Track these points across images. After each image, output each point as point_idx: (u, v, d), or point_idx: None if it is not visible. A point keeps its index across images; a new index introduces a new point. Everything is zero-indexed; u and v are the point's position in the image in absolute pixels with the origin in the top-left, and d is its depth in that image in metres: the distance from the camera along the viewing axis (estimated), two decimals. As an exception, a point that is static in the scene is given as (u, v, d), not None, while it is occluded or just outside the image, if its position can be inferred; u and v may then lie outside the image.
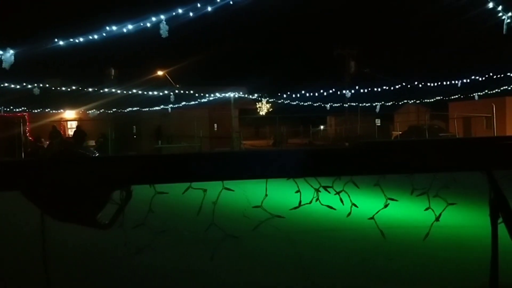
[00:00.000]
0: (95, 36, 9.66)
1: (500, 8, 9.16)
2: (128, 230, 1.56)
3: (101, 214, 1.64)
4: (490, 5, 8.92)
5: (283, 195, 2.05)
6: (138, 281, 3.58)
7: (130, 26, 8.85)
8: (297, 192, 1.69)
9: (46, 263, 1.65)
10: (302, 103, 25.93)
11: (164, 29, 7.41)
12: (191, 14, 7.81)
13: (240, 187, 1.76)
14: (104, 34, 9.29)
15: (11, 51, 8.19)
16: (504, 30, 9.25)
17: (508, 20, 9.24)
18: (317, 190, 1.70)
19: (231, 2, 7.64)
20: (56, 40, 9.27)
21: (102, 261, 4.10)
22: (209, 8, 7.84)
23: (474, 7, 9.57)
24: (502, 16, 9.34)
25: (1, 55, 8.24)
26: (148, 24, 8.22)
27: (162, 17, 7.57)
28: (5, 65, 8.24)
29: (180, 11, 7.75)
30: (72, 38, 9.95)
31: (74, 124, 25.26)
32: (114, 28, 9.27)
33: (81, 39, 9.98)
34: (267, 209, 1.70)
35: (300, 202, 1.73)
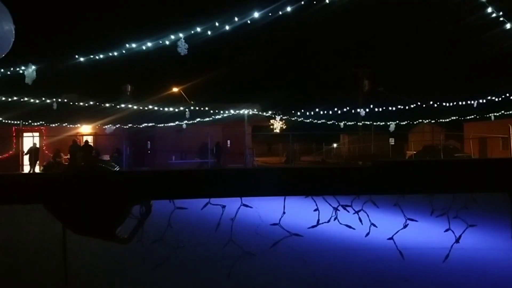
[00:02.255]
0: (114, 53, 9.91)
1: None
2: (147, 244, 1.57)
3: (121, 228, 1.66)
4: (508, 25, 8.89)
5: (301, 213, 2.04)
6: None
7: (149, 44, 9.08)
8: (315, 210, 1.69)
9: (67, 275, 1.67)
10: (315, 120, 25.92)
11: (183, 47, 7.57)
12: (209, 32, 7.98)
13: (257, 204, 1.76)
14: (123, 51, 9.52)
15: (33, 67, 8.44)
16: (521, 50, 9.18)
17: (526, 42, 9.18)
18: (336, 209, 1.70)
19: (248, 22, 7.80)
20: (76, 56, 9.53)
21: (121, 275, 4.10)
22: (227, 27, 8.00)
23: (491, 27, 9.54)
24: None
25: (24, 70, 8.52)
26: (167, 42, 8.41)
27: (181, 35, 7.75)
28: (27, 80, 8.49)
29: (198, 29, 7.93)
30: (91, 55, 10.22)
31: (90, 139, 25.70)
32: (132, 45, 9.51)
33: (100, 56, 10.24)
34: (285, 226, 1.69)
35: (318, 220, 1.72)
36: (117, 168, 1.68)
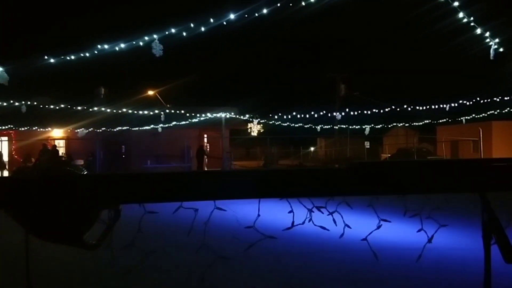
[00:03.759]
0: (86, 54, 9.68)
1: (487, 34, 9.46)
2: (117, 250, 1.51)
3: (88, 233, 1.59)
4: (478, 31, 9.20)
5: (276, 215, 2.02)
6: None
7: (122, 45, 8.90)
8: (290, 212, 1.67)
9: (30, 285, 1.59)
10: (293, 124, 26.13)
11: (157, 48, 7.46)
12: (184, 33, 7.90)
13: (231, 207, 1.73)
14: (95, 52, 9.31)
15: (1, 68, 8.12)
16: (491, 55, 9.53)
17: (495, 46, 9.53)
18: (310, 211, 1.69)
19: (224, 23, 7.76)
20: (46, 57, 9.25)
21: (89, 282, 3.97)
22: (203, 29, 7.94)
23: (462, 33, 9.87)
24: (489, 42, 9.64)
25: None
26: (140, 43, 8.28)
27: (155, 36, 7.63)
28: (1, 81, 8.17)
29: (173, 30, 7.84)
30: (62, 56, 9.95)
31: (62, 143, 25.04)
32: (105, 46, 9.31)
33: (72, 57, 9.98)
34: (259, 229, 1.67)
35: (293, 222, 1.71)
36: (84, 172, 1.61)
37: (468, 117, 24.63)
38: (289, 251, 4.74)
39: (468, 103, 21.11)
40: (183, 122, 23.53)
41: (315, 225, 1.72)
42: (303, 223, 1.71)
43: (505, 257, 1.46)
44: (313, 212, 1.67)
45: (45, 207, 1.41)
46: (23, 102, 15.96)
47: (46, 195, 1.37)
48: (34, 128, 22.12)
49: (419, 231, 1.79)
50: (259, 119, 29.27)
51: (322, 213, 1.68)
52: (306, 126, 26.46)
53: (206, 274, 2.62)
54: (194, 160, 22.73)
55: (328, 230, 1.80)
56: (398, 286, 3.82)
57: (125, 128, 23.09)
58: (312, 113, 24.41)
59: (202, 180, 1.60)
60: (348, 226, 1.75)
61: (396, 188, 1.63)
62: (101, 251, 1.53)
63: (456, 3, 8.51)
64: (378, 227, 1.78)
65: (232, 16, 7.85)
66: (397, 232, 5.08)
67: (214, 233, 1.79)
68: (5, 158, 22.99)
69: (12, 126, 21.40)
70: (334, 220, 1.73)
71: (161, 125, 22.64)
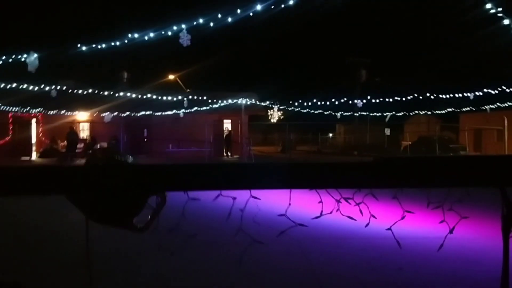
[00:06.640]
0: (114, 40, 9.86)
1: (514, 23, 9.21)
2: (162, 233, 1.67)
3: (137, 218, 1.76)
4: (507, 21, 8.97)
5: (306, 205, 2.16)
6: (170, 281, 3.78)
7: (150, 34, 9.04)
8: (319, 202, 1.80)
9: (90, 261, 1.78)
10: (312, 111, 26.01)
11: (185, 38, 7.58)
12: (211, 24, 7.98)
13: (265, 195, 1.87)
14: (125, 42, 9.47)
15: (35, 55, 8.40)
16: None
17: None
18: (338, 201, 1.81)
19: (251, 14, 7.81)
20: (78, 45, 9.49)
21: (138, 261, 4.33)
22: (230, 19, 8.00)
23: (489, 21, 9.62)
24: (515, 30, 9.39)
25: (26, 58, 8.49)
26: (169, 33, 8.40)
27: (183, 26, 7.75)
28: (30, 68, 8.47)
29: (200, 21, 7.93)
30: (90, 41, 10.17)
31: (86, 126, 25.67)
32: (130, 35, 9.47)
33: (98, 41, 10.19)
34: (291, 217, 1.80)
35: (321, 212, 1.83)
36: (131, 159, 1.78)
37: (493, 106, 24.01)
38: (316, 238, 4.91)
39: (493, 92, 20.53)
40: (204, 108, 23.75)
41: (342, 214, 1.84)
42: (331, 212, 1.83)
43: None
44: (341, 202, 1.80)
45: (101, 194, 1.57)
46: (53, 87, 16.41)
47: (103, 183, 1.53)
48: (60, 112, 22.71)
49: (441, 222, 1.89)
50: (278, 105, 29.19)
51: (349, 203, 1.80)
52: (326, 113, 26.32)
53: (243, 256, 2.86)
54: (213, 145, 23.01)
55: (354, 219, 1.92)
56: (418, 273, 3.93)
57: (148, 113, 23.47)
58: (333, 100, 24.24)
59: (239, 171, 1.75)
60: (374, 217, 1.86)
61: (420, 182, 1.74)
62: (149, 234, 1.70)
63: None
64: (402, 217, 1.89)
65: (259, 7, 7.86)
66: (420, 222, 5.18)
67: (250, 220, 1.94)
68: (33, 140, 23.84)
69: (40, 109, 22.03)
70: (360, 210, 1.84)
71: (182, 110, 22.92)
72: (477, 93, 20.55)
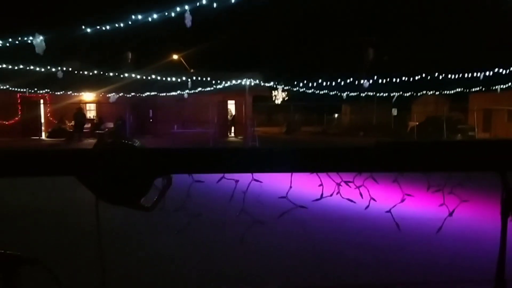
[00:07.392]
0: (117, 20, 9.81)
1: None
2: (169, 212, 1.75)
3: (145, 198, 1.82)
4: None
5: (306, 188, 2.20)
6: (175, 258, 3.98)
7: (153, 14, 8.98)
8: (320, 185, 1.84)
9: (100, 239, 1.85)
10: (318, 91, 25.82)
11: (188, 19, 7.54)
12: (214, 4, 7.90)
13: (267, 179, 1.91)
14: (129, 22, 9.42)
15: (41, 37, 8.42)
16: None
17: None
18: (339, 184, 1.85)
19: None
20: (83, 27, 9.47)
21: (146, 239, 4.59)
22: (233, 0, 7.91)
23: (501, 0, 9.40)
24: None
25: (32, 40, 8.52)
26: (172, 14, 8.34)
27: (187, 7, 7.69)
28: (38, 50, 8.51)
29: (204, 1, 7.84)
30: (93, 22, 10.14)
31: (92, 107, 25.79)
32: (133, 16, 9.40)
33: (102, 22, 10.15)
34: (292, 199, 1.84)
35: (322, 194, 1.87)
36: (137, 143, 1.84)
37: (504, 86, 23.67)
38: (317, 219, 5.02)
39: (504, 71, 20.19)
40: (208, 88, 23.68)
41: (342, 197, 1.88)
42: (331, 195, 1.88)
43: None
44: (341, 185, 1.83)
45: (111, 175, 1.63)
46: (59, 68, 16.45)
47: (112, 165, 1.59)
48: (67, 93, 22.81)
49: (441, 205, 1.93)
50: (283, 86, 28.99)
51: (350, 187, 1.84)
52: (331, 93, 26.12)
53: (245, 235, 3.02)
54: (217, 126, 23.04)
55: (354, 202, 1.96)
56: (416, 253, 4.01)
57: (153, 93, 23.48)
58: (339, 80, 24.00)
59: (242, 155, 1.79)
60: (374, 199, 1.90)
61: (420, 166, 1.76)
62: (156, 213, 1.77)
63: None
64: (402, 200, 1.93)
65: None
66: (420, 206, 5.25)
67: (252, 201, 1.99)
68: (42, 120, 24.06)
69: (47, 90, 22.13)
70: (360, 193, 1.88)
71: (187, 91, 22.88)
72: (487, 73, 20.24)
